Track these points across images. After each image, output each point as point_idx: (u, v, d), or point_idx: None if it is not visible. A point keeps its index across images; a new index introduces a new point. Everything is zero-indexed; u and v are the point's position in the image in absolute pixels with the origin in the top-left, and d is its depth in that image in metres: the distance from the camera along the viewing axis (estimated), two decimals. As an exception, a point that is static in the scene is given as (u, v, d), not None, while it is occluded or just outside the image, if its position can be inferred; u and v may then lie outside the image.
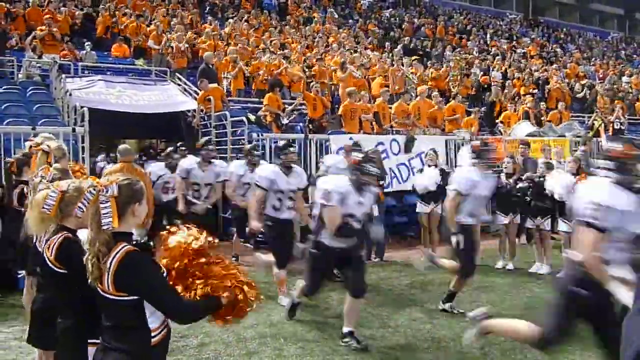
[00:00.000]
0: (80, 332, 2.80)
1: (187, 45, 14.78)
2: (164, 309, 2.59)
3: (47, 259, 2.93)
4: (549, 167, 8.49)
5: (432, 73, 17.18)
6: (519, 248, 8.97)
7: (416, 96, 13.84)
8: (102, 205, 2.52)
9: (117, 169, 7.49)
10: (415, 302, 6.76)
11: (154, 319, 2.57)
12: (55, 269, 2.91)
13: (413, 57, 18.04)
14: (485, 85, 17.54)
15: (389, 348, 5.19)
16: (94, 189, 2.56)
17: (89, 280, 2.55)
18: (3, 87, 11.56)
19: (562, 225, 8.04)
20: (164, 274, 2.62)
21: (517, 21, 34.85)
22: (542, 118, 15.62)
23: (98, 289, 2.54)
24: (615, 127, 15.44)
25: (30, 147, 5.01)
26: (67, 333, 2.94)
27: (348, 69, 14.22)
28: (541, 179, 8.25)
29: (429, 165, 9.40)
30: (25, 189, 4.88)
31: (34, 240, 3.37)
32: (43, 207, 2.81)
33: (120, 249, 2.51)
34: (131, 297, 2.51)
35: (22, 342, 5.28)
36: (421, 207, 9.31)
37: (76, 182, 3.04)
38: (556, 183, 7.81)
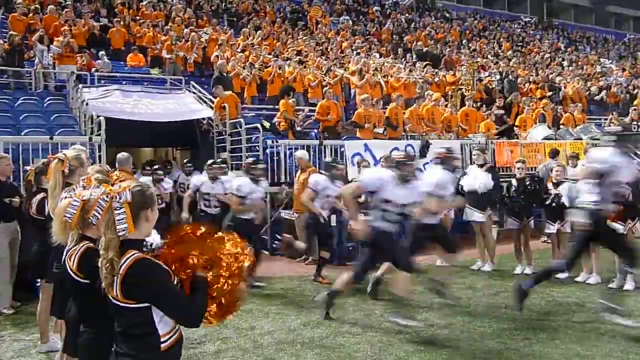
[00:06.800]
0: (103, 343, 2.77)
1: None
2: (175, 316, 2.58)
3: (69, 269, 2.94)
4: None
5: (447, 77, 17.14)
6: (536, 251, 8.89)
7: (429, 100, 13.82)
8: (116, 212, 2.53)
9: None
10: (432, 307, 6.71)
11: (163, 324, 2.57)
12: (78, 279, 2.91)
13: (425, 63, 18.05)
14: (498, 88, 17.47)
15: (407, 353, 5.16)
16: (107, 196, 2.56)
17: (102, 286, 2.55)
18: (22, 98, 11.76)
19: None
20: (174, 281, 2.60)
21: (532, 24, 34.66)
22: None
23: (108, 295, 2.54)
24: (633, 129, 15.21)
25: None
26: (89, 343, 2.93)
27: (365, 75, 14.27)
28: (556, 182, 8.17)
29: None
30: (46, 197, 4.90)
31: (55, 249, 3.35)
32: (65, 216, 2.82)
33: (130, 257, 2.50)
34: (140, 305, 2.51)
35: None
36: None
37: (101, 189, 3.02)
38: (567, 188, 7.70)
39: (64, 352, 3.65)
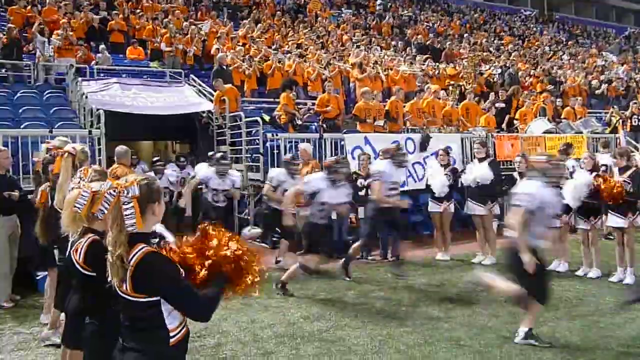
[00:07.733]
0: (108, 335, 2.76)
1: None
2: (184, 310, 2.57)
3: (75, 261, 2.92)
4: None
5: (448, 70, 17.08)
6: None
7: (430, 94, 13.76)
8: (124, 207, 2.49)
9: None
10: (432, 300, 6.71)
11: (172, 319, 2.55)
12: (84, 271, 2.91)
13: (426, 56, 17.98)
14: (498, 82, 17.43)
15: (407, 347, 5.16)
16: (114, 191, 2.52)
17: (110, 280, 2.52)
18: (21, 91, 11.72)
19: (580, 223, 7.93)
20: (182, 274, 2.57)
21: (533, 18, 34.58)
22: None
23: (117, 289, 2.52)
24: (634, 123, 15.17)
25: (48, 149, 5.04)
26: (95, 335, 2.93)
27: (365, 68, 14.21)
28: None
29: (441, 165, 9.33)
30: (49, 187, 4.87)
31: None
32: (75, 206, 2.78)
33: (139, 251, 2.47)
34: (149, 299, 2.49)
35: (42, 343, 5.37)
36: (433, 206, 9.25)
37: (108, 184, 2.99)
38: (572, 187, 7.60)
39: (63, 344, 3.65)
